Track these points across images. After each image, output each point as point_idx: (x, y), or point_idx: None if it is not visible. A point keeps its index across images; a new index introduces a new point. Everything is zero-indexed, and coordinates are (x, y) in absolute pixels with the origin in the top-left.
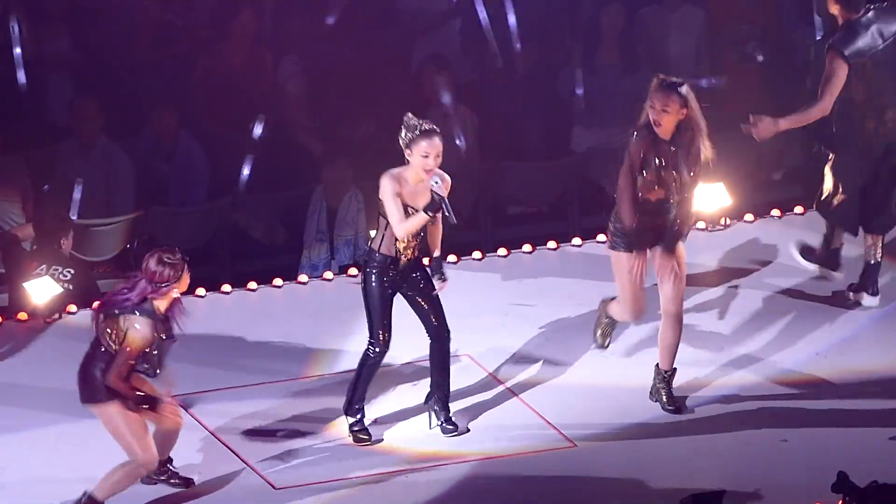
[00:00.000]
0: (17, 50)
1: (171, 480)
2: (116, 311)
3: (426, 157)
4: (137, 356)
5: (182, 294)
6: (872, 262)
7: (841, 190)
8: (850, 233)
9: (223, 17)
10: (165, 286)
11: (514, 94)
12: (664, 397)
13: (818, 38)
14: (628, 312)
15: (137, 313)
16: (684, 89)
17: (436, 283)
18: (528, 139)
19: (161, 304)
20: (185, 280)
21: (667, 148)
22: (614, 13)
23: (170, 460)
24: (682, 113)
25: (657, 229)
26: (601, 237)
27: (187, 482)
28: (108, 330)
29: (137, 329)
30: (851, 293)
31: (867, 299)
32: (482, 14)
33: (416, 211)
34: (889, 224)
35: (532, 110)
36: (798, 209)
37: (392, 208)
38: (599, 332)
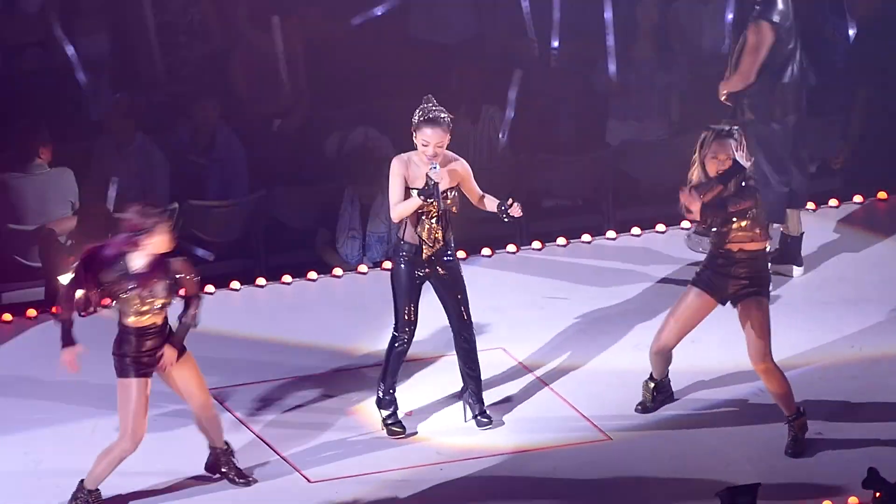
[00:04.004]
0: (57, 46)
1: (232, 475)
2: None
3: (426, 145)
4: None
5: (167, 254)
6: (797, 234)
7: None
8: (778, 221)
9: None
10: (136, 235)
11: (549, 87)
12: (787, 440)
13: (851, 32)
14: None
15: None
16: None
17: (508, 209)
18: (562, 132)
19: (135, 259)
20: (161, 236)
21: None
22: (649, 7)
23: (229, 448)
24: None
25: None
26: (635, 230)
27: (247, 480)
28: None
29: None
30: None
31: (797, 270)
32: (525, 6)
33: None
34: (805, 195)
35: (566, 104)
36: (833, 202)
37: (392, 190)
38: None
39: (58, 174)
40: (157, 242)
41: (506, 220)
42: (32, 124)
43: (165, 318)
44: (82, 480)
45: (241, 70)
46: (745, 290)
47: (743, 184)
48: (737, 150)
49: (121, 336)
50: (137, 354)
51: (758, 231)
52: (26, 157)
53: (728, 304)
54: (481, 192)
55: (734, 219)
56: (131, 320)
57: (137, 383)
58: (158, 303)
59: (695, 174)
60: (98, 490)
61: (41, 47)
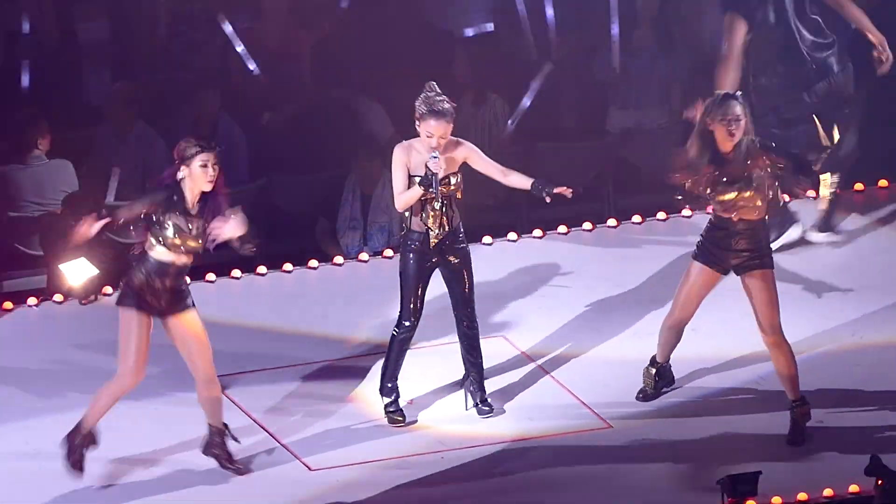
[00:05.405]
0: (56, 34)
1: (223, 458)
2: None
3: (430, 136)
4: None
5: (210, 194)
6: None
7: None
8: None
9: None
10: (180, 161)
11: (550, 75)
12: (789, 427)
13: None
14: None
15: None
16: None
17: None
18: (563, 120)
19: (187, 191)
20: (198, 168)
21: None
22: None
23: (226, 427)
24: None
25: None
26: (636, 217)
27: (236, 467)
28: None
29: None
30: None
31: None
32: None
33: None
34: (850, 159)
35: (567, 92)
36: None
37: (395, 179)
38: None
39: (56, 166)
40: (194, 174)
41: (548, 199)
42: (31, 114)
43: (187, 266)
44: (80, 422)
45: (242, 58)
46: (748, 262)
47: (751, 147)
48: (743, 113)
49: (138, 265)
50: (142, 289)
51: (759, 201)
52: (25, 148)
53: (733, 274)
54: (503, 168)
55: (738, 187)
56: (159, 251)
57: (138, 316)
58: (191, 243)
59: (693, 149)
60: (92, 434)
61: (40, 35)
